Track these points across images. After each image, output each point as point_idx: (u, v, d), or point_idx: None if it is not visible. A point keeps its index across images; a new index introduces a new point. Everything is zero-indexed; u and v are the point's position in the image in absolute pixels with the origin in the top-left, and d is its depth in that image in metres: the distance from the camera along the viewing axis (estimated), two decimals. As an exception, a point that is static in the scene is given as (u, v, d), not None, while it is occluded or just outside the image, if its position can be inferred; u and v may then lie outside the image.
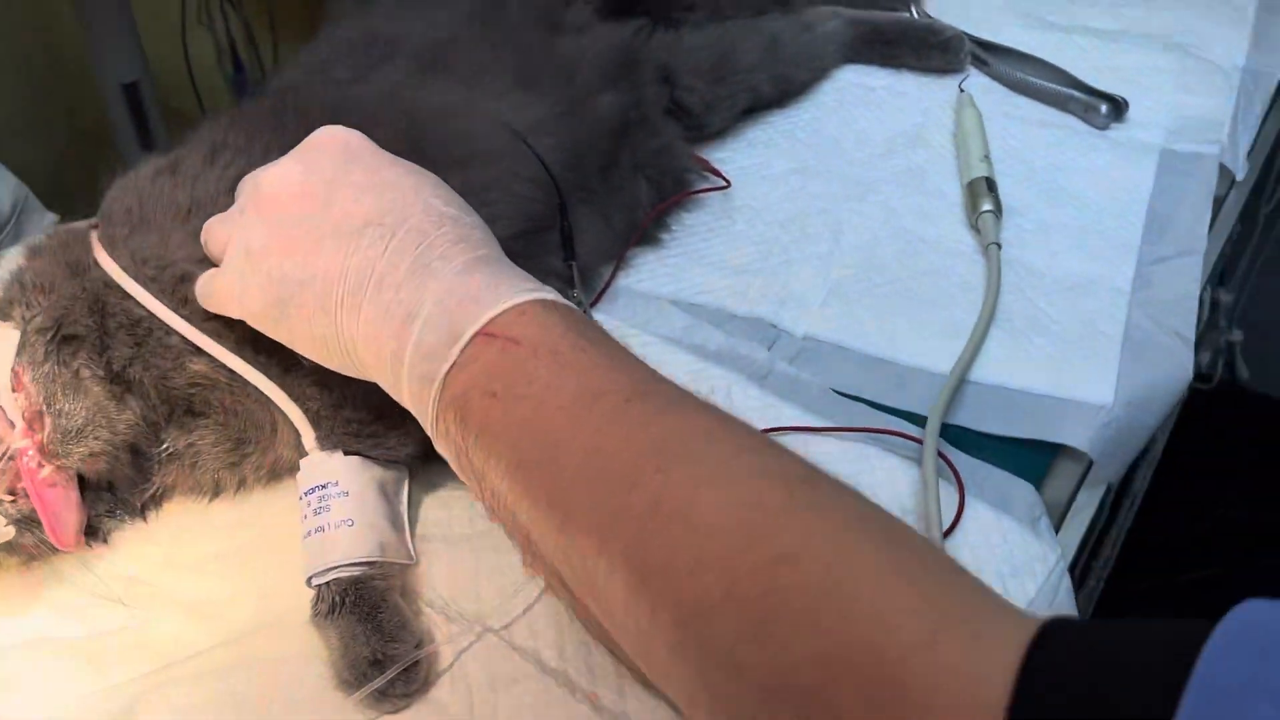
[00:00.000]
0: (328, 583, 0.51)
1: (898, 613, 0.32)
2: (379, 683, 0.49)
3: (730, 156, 0.85)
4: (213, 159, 0.60)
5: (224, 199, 0.57)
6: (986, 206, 0.77)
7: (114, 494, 0.57)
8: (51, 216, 0.98)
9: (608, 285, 0.74)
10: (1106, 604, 1.19)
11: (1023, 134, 0.88)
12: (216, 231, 0.53)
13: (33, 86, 1.31)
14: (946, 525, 0.58)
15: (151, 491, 0.58)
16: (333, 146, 0.52)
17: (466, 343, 0.43)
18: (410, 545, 0.55)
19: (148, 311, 0.55)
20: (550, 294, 0.45)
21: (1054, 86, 0.91)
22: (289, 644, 0.52)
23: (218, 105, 1.41)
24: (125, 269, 0.56)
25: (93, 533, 0.57)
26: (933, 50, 0.94)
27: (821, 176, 0.84)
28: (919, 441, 0.62)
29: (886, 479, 0.61)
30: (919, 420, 0.64)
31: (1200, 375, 1.37)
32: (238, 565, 0.57)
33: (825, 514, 0.36)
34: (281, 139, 0.60)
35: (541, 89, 0.71)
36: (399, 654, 0.50)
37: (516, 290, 0.45)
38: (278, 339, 0.51)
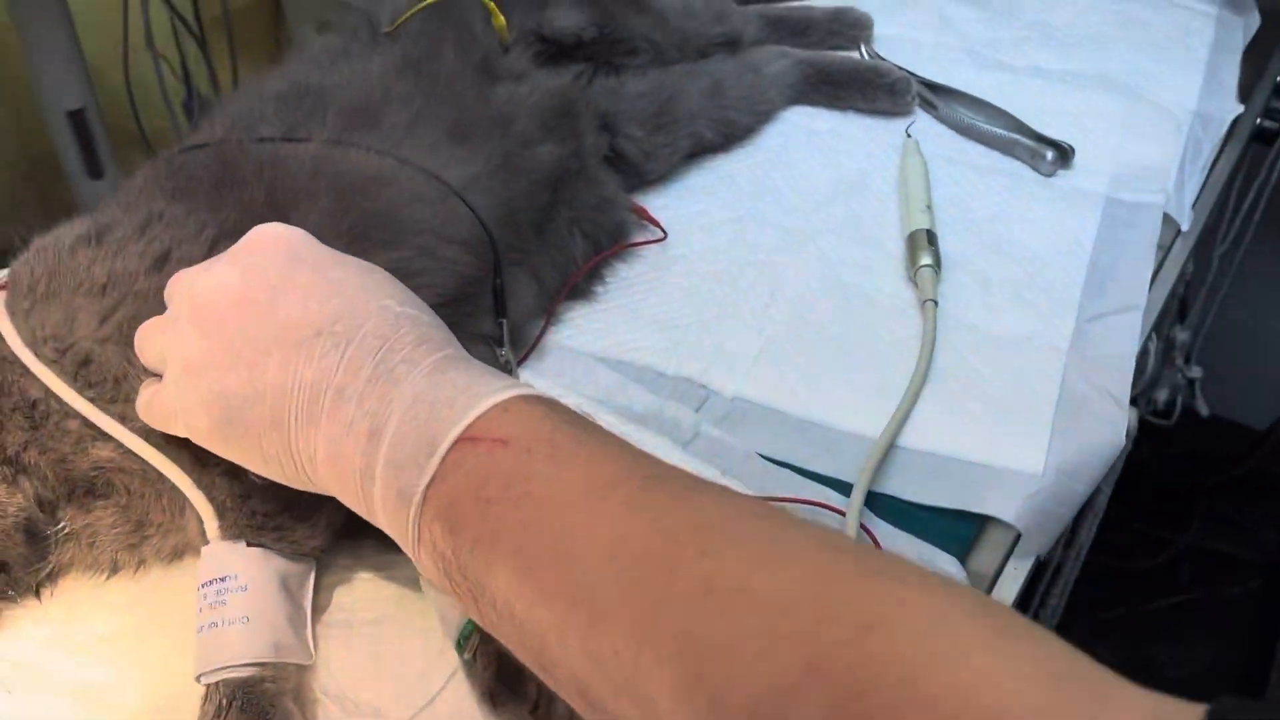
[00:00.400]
0: (217, 683, 0.49)
1: (1012, 678, 0.29)
2: None
3: (669, 204, 0.84)
4: (143, 230, 0.58)
5: (144, 278, 0.55)
6: (925, 260, 0.76)
7: (7, 573, 0.55)
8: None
9: (537, 341, 0.72)
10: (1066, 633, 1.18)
11: (967, 181, 0.87)
12: (152, 339, 0.50)
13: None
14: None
15: (47, 570, 0.56)
16: (274, 249, 0.48)
17: (446, 450, 0.40)
18: (310, 644, 0.52)
19: (46, 392, 0.53)
20: (527, 388, 0.43)
21: (1001, 132, 0.90)
22: (177, 736, 0.51)
23: (164, 130, 1.39)
24: (27, 344, 0.54)
25: (-18, 615, 0.55)
26: (879, 92, 0.93)
27: (759, 225, 0.82)
28: (842, 513, 0.60)
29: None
30: (846, 488, 0.63)
31: (1159, 412, 1.36)
32: (129, 648, 0.54)
33: (902, 579, 0.33)
34: (218, 217, 0.59)
35: (475, 142, 0.70)
36: None
37: (494, 389, 0.42)
38: (229, 458, 0.48)
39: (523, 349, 0.71)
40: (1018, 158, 0.89)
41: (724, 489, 0.39)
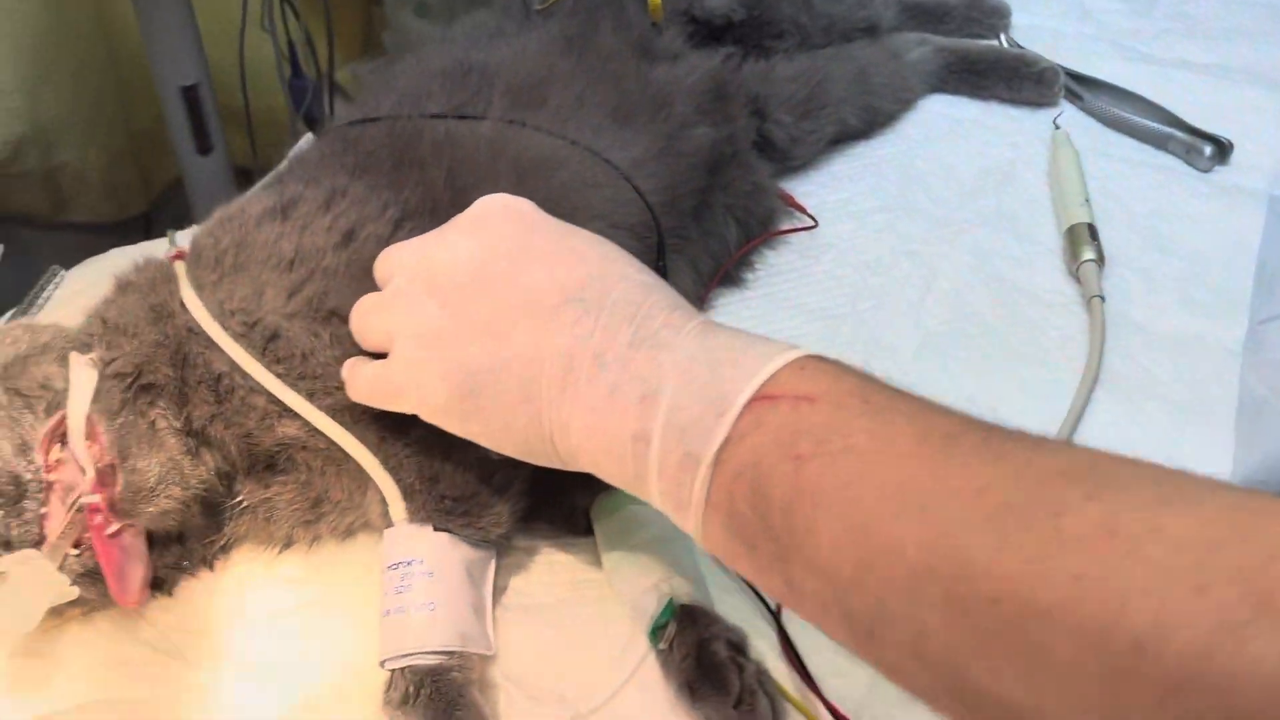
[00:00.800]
0: (403, 669, 0.48)
1: None
2: None
3: (814, 191, 0.82)
4: (328, 206, 0.57)
5: (331, 254, 0.54)
6: (1088, 255, 0.73)
7: (182, 544, 0.55)
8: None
9: (689, 328, 0.70)
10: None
11: (1120, 175, 0.84)
12: (374, 317, 0.49)
13: (91, 87, 1.30)
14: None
15: (221, 543, 0.56)
16: (505, 217, 0.47)
17: (741, 410, 0.38)
18: (490, 635, 0.51)
19: (232, 366, 0.52)
20: (812, 350, 0.40)
21: (1153, 125, 0.87)
22: None
23: (272, 109, 1.39)
24: (215, 316, 0.53)
25: (158, 584, 0.54)
26: (1026, 82, 0.90)
27: (909, 215, 0.80)
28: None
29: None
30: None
31: None
32: (304, 625, 0.54)
33: None
34: (400, 196, 0.58)
35: (637, 124, 0.68)
36: None
37: (778, 348, 0.39)
38: (462, 434, 0.47)
39: (676, 335, 0.70)
40: (1171, 152, 0.86)
41: (1069, 443, 0.35)
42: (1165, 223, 0.79)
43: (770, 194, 0.77)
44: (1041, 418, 0.64)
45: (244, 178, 1.30)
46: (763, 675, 0.49)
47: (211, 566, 0.56)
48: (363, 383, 0.49)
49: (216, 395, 0.53)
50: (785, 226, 0.77)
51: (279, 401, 0.52)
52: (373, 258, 0.51)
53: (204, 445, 0.53)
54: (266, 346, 0.52)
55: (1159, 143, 0.87)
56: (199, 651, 0.53)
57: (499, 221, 0.47)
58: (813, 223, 0.78)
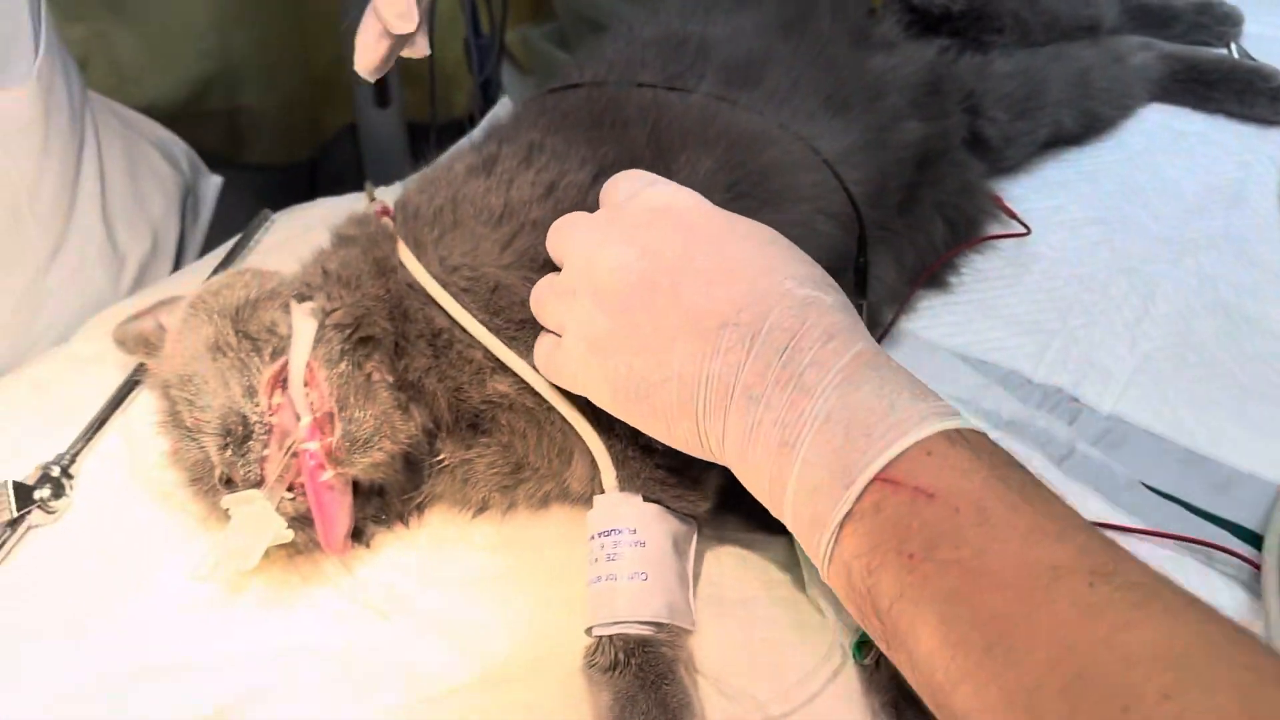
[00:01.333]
0: (611, 636, 0.47)
1: None
2: None
3: (1024, 195, 0.78)
4: (529, 161, 0.57)
5: (536, 206, 0.54)
6: (1327, 289, 0.68)
7: (382, 498, 0.55)
8: (216, 179, 0.96)
9: (890, 327, 0.68)
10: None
11: (1363, 205, 0.77)
12: (550, 304, 0.49)
13: (278, 30, 1.32)
14: None
15: (419, 500, 0.56)
16: (666, 221, 0.46)
17: (863, 489, 0.38)
18: (694, 610, 0.51)
19: (451, 321, 0.52)
20: (950, 418, 0.39)
21: (1402, 153, 0.80)
22: (549, 692, 0.49)
23: (442, 65, 1.40)
24: (435, 276, 0.53)
25: (357, 535, 0.55)
26: (1260, 98, 0.84)
27: (1126, 230, 0.75)
28: (1254, 565, 0.54)
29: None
30: (1243, 534, 0.56)
31: None
32: (497, 591, 0.54)
33: None
34: (597, 152, 0.57)
35: (850, 114, 0.66)
36: None
37: (914, 418, 0.39)
38: (630, 423, 0.47)
39: (875, 333, 0.67)
40: None
41: (1191, 598, 0.34)
42: None
43: (981, 194, 0.74)
44: (1265, 459, 0.60)
45: (417, 133, 1.32)
46: None
47: (406, 523, 0.57)
48: (542, 357, 0.50)
49: (434, 349, 0.53)
50: (995, 231, 0.74)
51: (494, 357, 0.52)
52: (575, 208, 0.51)
53: (414, 401, 0.53)
54: (489, 299, 0.52)
55: (1407, 173, 0.80)
56: (393, 606, 0.53)
57: (661, 227, 0.46)
58: (1025, 230, 0.74)
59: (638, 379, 0.44)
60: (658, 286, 0.44)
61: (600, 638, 0.48)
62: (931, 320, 0.69)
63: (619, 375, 0.45)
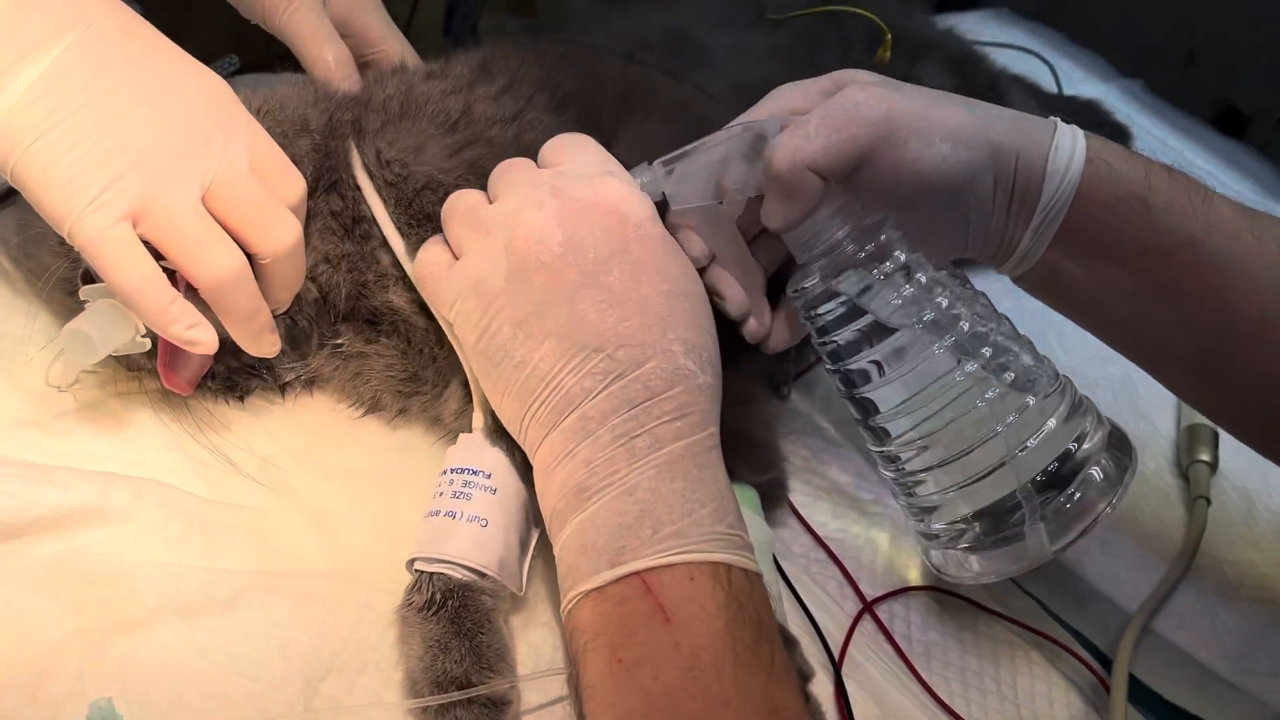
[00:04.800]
0: (431, 574, 0.45)
1: None
2: (464, 712, 0.42)
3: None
4: (490, 76, 0.56)
5: (498, 128, 0.53)
6: (1204, 456, 0.72)
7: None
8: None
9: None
10: None
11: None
12: (462, 223, 0.47)
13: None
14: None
15: (300, 373, 0.53)
16: (606, 225, 0.45)
17: (620, 576, 0.39)
18: (524, 578, 0.48)
19: (373, 217, 0.50)
20: (735, 551, 0.40)
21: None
22: (392, 599, 0.46)
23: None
24: (366, 165, 0.51)
25: (231, 387, 0.51)
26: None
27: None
28: (1098, 677, 0.56)
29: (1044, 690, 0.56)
30: (1090, 648, 0.59)
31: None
32: (368, 490, 0.51)
33: None
34: (561, 89, 0.57)
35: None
36: (491, 685, 0.43)
37: (700, 538, 0.40)
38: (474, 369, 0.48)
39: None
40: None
41: None
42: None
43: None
44: (1125, 590, 0.62)
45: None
46: (817, 714, 0.47)
47: (283, 395, 0.54)
48: (426, 264, 0.48)
49: (351, 238, 0.51)
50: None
51: (400, 267, 0.50)
52: (537, 143, 0.49)
53: (313, 280, 0.51)
54: (414, 199, 0.50)
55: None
56: (265, 479, 0.50)
57: (597, 226, 0.45)
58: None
59: (502, 344, 0.44)
60: (563, 279, 0.44)
61: (420, 574, 0.45)
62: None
63: (487, 330, 0.45)
